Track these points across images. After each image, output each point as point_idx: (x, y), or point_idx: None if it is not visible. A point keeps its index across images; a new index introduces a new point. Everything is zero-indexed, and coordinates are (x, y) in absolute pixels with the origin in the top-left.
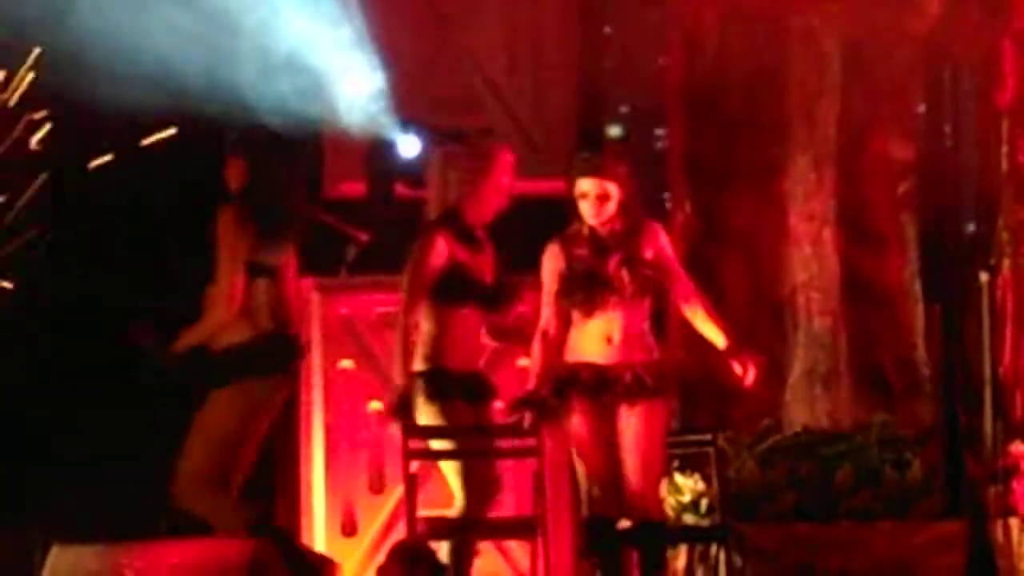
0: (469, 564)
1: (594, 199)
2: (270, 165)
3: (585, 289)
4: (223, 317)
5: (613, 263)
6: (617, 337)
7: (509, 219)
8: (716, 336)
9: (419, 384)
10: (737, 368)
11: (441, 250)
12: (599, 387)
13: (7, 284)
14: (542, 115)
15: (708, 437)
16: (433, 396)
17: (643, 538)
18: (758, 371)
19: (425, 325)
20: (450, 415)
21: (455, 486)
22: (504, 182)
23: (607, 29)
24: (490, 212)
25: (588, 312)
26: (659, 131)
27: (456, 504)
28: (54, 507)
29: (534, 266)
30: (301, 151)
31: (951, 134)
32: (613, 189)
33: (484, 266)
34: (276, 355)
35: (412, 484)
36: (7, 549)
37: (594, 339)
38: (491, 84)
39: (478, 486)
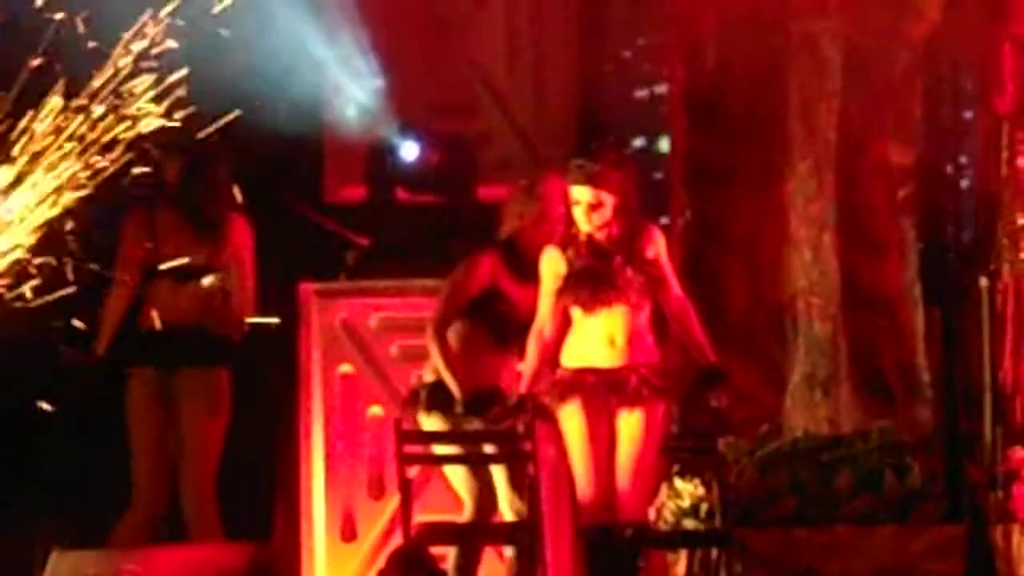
0: (476, 569)
1: (586, 207)
2: (202, 167)
3: (590, 285)
4: (114, 302)
5: (617, 263)
6: (620, 339)
7: None
8: (699, 352)
9: (421, 396)
10: (712, 398)
11: (484, 272)
12: (604, 391)
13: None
14: (542, 120)
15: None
16: (432, 408)
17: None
18: (729, 399)
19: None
20: (447, 427)
21: (461, 492)
22: (555, 211)
23: (607, 34)
24: (543, 242)
25: (591, 309)
26: (660, 136)
27: (465, 510)
28: (55, 512)
29: None
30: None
31: (951, 139)
32: (607, 197)
33: (531, 301)
34: (138, 351)
35: (408, 489)
36: (8, 554)
37: (597, 341)
38: (491, 88)
39: (482, 491)
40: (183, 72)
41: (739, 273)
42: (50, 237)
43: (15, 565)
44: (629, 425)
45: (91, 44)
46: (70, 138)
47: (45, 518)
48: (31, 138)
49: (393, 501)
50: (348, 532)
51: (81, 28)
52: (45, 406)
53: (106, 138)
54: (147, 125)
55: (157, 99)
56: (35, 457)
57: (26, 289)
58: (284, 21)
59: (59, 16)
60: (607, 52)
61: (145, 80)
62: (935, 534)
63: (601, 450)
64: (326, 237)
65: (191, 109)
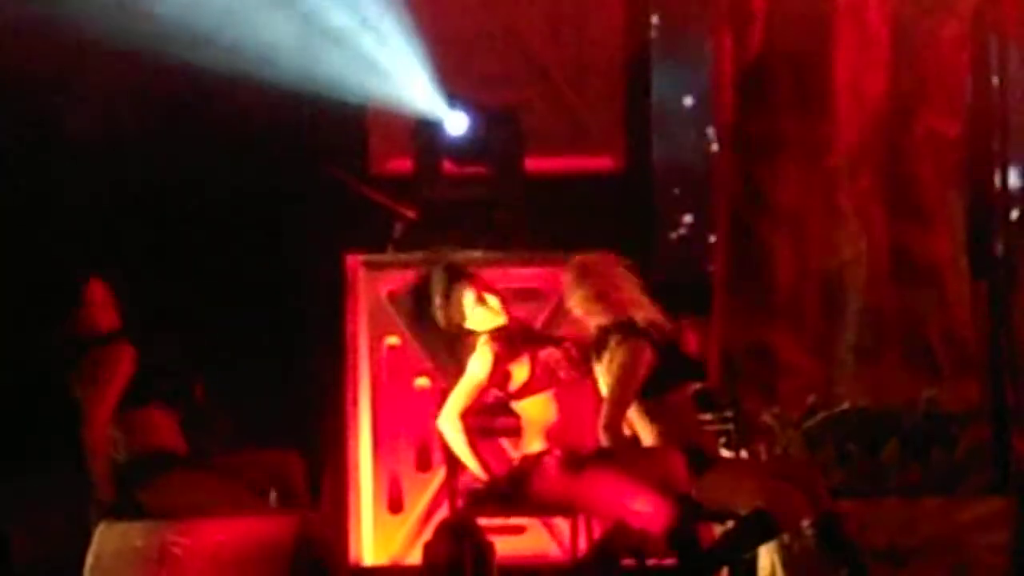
0: None
1: None
2: None
3: None
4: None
5: None
6: None
7: (552, 195)
8: None
9: None
10: None
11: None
12: None
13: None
14: (585, 91)
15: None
16: None
17: None
18: None
19: None
20: None
21: None
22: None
23: (651, 3)
24: None
25: None
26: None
27: None
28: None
29: (581, 241)
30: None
31: (998, 110)
32: None
33: None
34: None
35: (455, 461)
36: (57, 525)
37: None
38: (534, 60)
39: None
40: None
41: (786, 244)
42: None
43: (65, 537)
44: None
45: None
46: None
47: (94, 490)
48: None
49: (440, 472)
50: (395, 504)
51: None
52: None
53: None
54: None
55: None
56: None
57: None
58: None
59: None
60: (652, 21)
61: None
62: (982, 506)
63: None
64: (372, 209)
65: None
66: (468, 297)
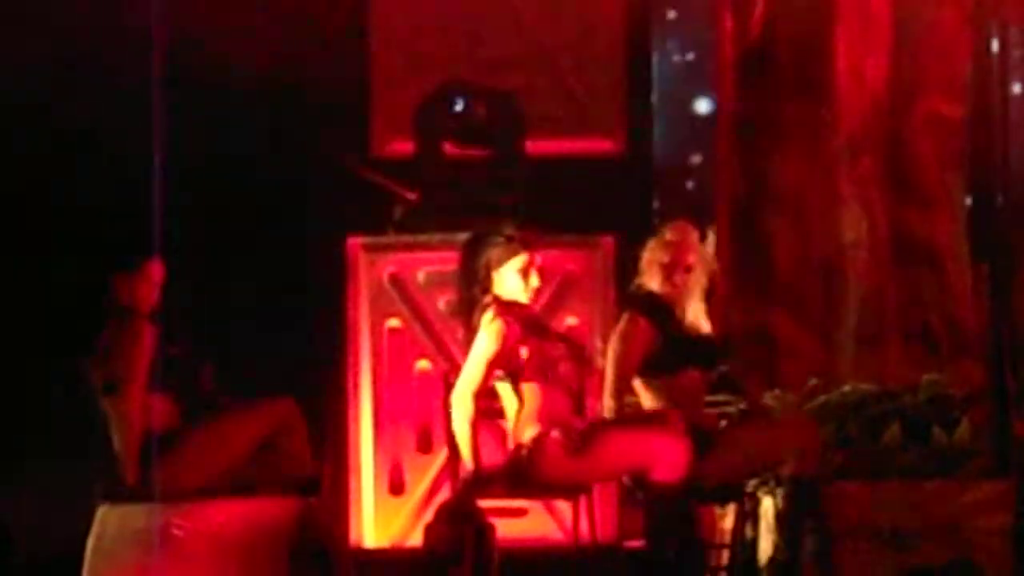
0: None
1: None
2: None
3: None
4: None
5: None
6: None
7: (553, 178)
8: None
9: None
10: None
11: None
12: None
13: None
14: (587, 74)
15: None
16: None
17: None
18: None
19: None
20: None
21: None
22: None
23: None
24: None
25: None
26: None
27: None
28: (108, 466)
29: (579, 226)
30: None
31: (999, 93)
32: None
33: None
34: None
35: (456, 443)
36: (61, 507)
37: None
38: (537, 44)
39: None
40: None
41: (787, 228)
42: None
43: (68, 519)
44: None
45: None
46: None
47: (98, 473)
48: None
49: (441, 455)
50: (396, 486)
51: None
52: None
53: None
54: None
55: None
56: (88, 412)
57: None
58: None
59: None
60: (654, 7)
61: None
62: (983, 489)
63: None
64: (373, 191)
65: None
66: (518, 261)
